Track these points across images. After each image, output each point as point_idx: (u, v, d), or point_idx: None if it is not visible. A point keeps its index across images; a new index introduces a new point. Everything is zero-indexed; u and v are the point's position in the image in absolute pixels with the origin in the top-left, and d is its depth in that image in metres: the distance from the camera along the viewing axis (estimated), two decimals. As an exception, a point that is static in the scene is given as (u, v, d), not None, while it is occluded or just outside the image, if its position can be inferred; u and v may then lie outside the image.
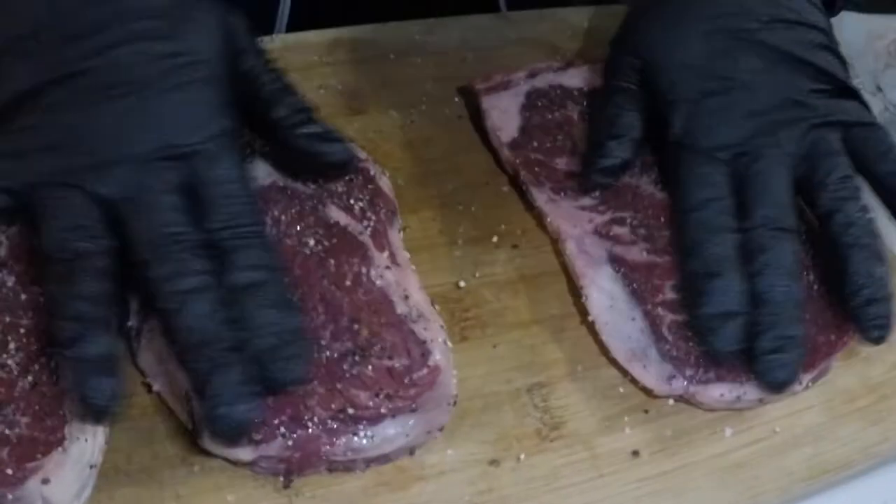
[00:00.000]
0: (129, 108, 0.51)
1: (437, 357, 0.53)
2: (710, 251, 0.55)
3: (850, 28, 0.76)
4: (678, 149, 0.60)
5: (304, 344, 0.50)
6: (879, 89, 0.74)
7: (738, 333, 0.53)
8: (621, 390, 0.58)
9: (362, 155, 0.63)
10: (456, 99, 0.74)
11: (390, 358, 0.53)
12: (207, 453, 0.51)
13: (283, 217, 0.58)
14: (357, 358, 0.52)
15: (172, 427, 0.52)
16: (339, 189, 0.60)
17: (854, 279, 0.55)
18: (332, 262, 0.56)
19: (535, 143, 0.66)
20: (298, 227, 0.58)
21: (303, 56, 0.74)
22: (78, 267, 0.47)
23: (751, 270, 0.55)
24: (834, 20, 0.65)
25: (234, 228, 0.50)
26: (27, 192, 0.50)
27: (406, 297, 0.56)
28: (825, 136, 0.59)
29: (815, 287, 0.59)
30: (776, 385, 0.53)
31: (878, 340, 0.55)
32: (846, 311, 0.56)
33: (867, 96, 0.74)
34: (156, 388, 0.52)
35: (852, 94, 0.62)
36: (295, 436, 0.50)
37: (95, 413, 0.45)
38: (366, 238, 0.58)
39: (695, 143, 0.59)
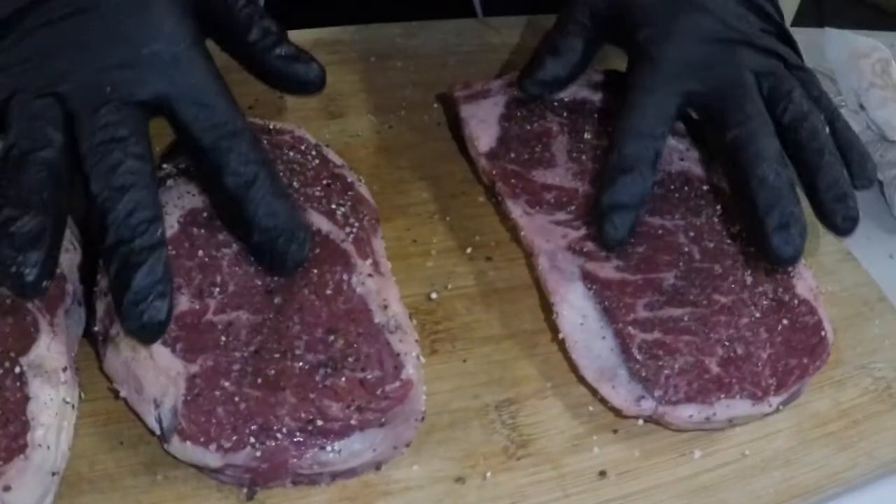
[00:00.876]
0: (96, 21, 0.54)
1: (409, 371, 0.53)
2: (627, 150, 0.60)
3: (835, 46, 0.75)
4: (643, 63, 0.63)
5: (305, 228, 0.55)
6: (862, 108, 0.74)
7: (627, 225, 0.58)
8: (591, 409, 0.57)
9: (338, 161, 0.63)
10: (435, 105, 0.73)
11: (363, 370, 0.52)
12: (172, 462, 0.51)
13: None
14: (330, 370, 0.52)
15: (137, 434, 0.52)
16: (318, 193, 0.60)
17: (826, 179, 0.59)
18: (315, 271, 0.56)
19: (513, 154, 0.65)
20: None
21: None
22: (23, 159, 0.50)
23: (741, 163, 0.59)
24: (819, 37, 0.66)
25: (217, 129, 0.53)
26: (2, 107, 0.52)
27: (385, 307, 0.55)
28: (776, 63, 0.64)
29: (790, 313, 0.59)
30: (785, 260, 0.57)
31: (848, 231, 0.59)
32: (819, 208, 0.59)
33: (849, 114, 0.74)
34: (123, 393, 0.52)
35: (790, 39, 0.67)
36: (263, 446, 0.49)
37: (23, 287, 0.47)
38: (348, 245, 0.57)
39: (659, 58, 0.63)
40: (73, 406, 0.51)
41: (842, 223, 0.58)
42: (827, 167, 0.59)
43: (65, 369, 0.51)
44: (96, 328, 0.53)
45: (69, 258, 0.55)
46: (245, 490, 0.51)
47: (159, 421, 0.51)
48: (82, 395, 0.52)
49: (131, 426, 0.52)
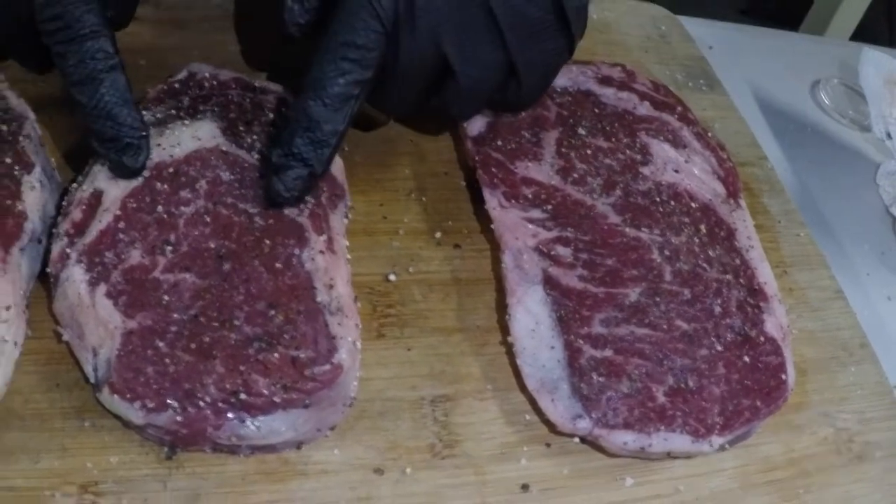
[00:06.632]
0: None
1: (342, 356, 0.52)
2: None
3: (869, 67, 0.70)
4: None
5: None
6: (889, 136, 0.68)
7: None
8: (527, 418, 0.56)
9: (318, 130, 0.61)
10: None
11: (297, 348, 0.52)
12: (102, 411, 0.51)
13: (221, 183, 0.57)
14: (264, 344, 0.51)
15: (74, 378, 0.52)
16: (286, 164, 0.59)
17: None
18: (268, 242, 0.55)
19: (500, 142, 0.63)
20: (235, 196, 0.56)
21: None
22: None
23: None
24: (855, 57, 0.61)
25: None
26: None
27: (330, 287, 0.54)
28: None
29: (753, 350, 0.56)
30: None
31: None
32: None
33: (875, 142, 0.69)
34: (65, 337, 0.52)
35: None
36: (185, 412, 0.50)
37: None
38: (304, 220, 0.57)
39: None
40: (15, 343, 0.51)
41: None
42: None
43: (8, 308, 0.51)
44: (49, 270, 0.54)
45: (35, 196, 0.56)
46: (165, 449, 0.52)
47: (95, 370, 0.51)
48: (29, 332, 0.53)
49: (70, 369, 0.52)
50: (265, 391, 0.50)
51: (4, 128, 0.58)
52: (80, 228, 0.55)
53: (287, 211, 0.56)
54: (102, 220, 0.54)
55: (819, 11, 1.21)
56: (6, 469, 0.49)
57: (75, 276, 0.53)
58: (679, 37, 0.82)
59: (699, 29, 0.82)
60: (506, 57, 0.56)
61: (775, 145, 0.76)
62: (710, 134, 0.67)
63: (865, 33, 1.12)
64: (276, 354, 0.51)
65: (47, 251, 0.55)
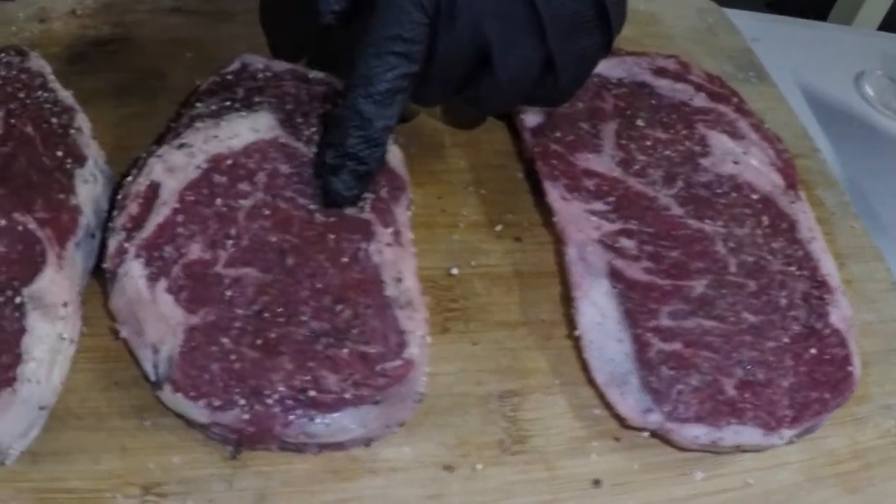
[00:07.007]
0: None
1: (413, 350, 0.51)
2: None
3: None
4: None
5: None
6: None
7: None
8: (596, 413, 0.55)
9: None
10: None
11: (366, 343, 0.51)
12: (162, 409, 0.50)
13: (280, 176, 0.55)
14: (333, 340, 0.50)
15: (132, 377, 0.51)
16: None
17: None
18: (332, 236, 0.54)
19: (559, 134, 0.62)
20: (294, 189, 0.55)
21: None
22: None
23: None
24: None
25: None
26: None
27: (399, 281, 0.53)
28: None
29: (819, 342, 0.56)
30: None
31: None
32: None
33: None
34: (123, 334, 0.51)
35: None
36: (252, 410, 0.49)
37: None
38: (368, 213, 0.56)
39: None
40: (71, 341, 0.50)
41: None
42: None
43: (65, 304, 0.50)
44: (105, 265, 0.52)
45: (88, 190, 0.55)
46: (230, 448, 0.50)
47: (155, 367, 0.50)
48: (84, 329, 0.52)
49: (128, 367, 0.51)
50: (335, 388, 0.49)
51: (55, 121, 0.57)
52: (138, 222, 0.53)
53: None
54: (160, 214, 0.53)
55: (846, 2, 1.21)
56: (65, 470, 0.48)
57: (134, 272, 0.51)
58: (725, 28, 0.82)
59: (742, 20, 0.82)
60: (544, 51, 0.55)
61: (822, 137, 0.76)
62: (765, 125, 0.67)
63: (892, 24, 1.12)
64: (345, 350, 0.50)
65: (101, 246, 0.54)
